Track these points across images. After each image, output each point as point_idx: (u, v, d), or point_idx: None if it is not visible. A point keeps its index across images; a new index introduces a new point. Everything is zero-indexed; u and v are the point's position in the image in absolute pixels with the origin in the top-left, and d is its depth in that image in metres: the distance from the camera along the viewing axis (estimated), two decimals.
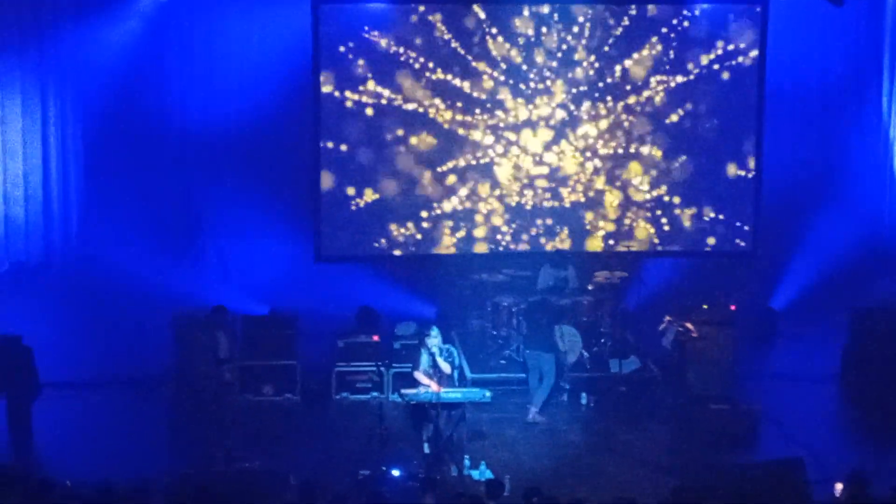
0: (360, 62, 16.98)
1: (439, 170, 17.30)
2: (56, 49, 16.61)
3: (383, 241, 17.36)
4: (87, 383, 15.75)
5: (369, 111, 17.10)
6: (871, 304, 16.38)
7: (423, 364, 13.68)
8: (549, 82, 17.22)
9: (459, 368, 14.10)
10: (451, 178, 17.32)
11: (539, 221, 17.51)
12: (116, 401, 15.41)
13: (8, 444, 13.57)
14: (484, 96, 17.18)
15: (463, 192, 17.37)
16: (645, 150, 17.45)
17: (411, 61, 17.04)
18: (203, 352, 14.25)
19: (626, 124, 17.38)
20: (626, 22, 17.15)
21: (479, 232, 17.48)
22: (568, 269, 16.69)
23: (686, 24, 17.21)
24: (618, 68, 17.24)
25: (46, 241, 16.88)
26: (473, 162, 17.32)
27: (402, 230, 17.37)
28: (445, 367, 13.59)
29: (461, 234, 17.44)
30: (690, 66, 17.29)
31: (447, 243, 17.45)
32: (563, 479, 12.74)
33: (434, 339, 13.67)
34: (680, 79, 17.31)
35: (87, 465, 12.35)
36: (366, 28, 16.89)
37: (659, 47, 17.24)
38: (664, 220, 17.62)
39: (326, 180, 17.19)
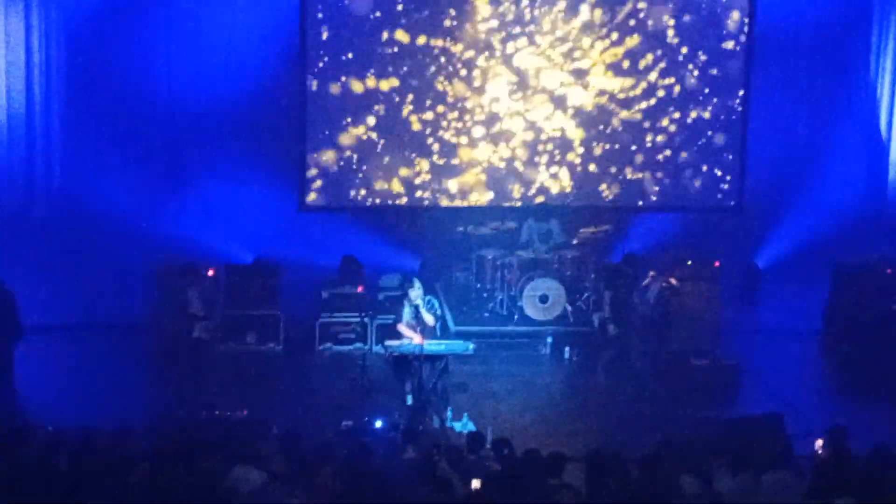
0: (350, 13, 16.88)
1: (424, 117, 17.20)
2: None
3: (367, 191, 17.28)
4: (69, 327, 15.75)
5: (356, 60, 17.01)
6: (854, 261, 16.44)
7: (406, 316, 13.67)
8: (539, 35, 17.13)
9: (442, 320, 14.09)
10: (436, 129, 17.23)
11: (524, 174, 17.45)
12: (99, 346, 15.40)
13: None
14: (472, 54, 17.09)
15: (448, 143, 17.29)
16: (630, 102, 17.37)
17: (403, 20, 16.92)
18: (174, 306, 14.22)
19: (609, 77, 17.30)
20: None
21: (465, 184, 17.42)
22: (551, 222, 16.67)
23: None
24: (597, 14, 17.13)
25: (28, 185, 16.74)
26: (460, 114, 17.24)
27: (388, 182, 17.28)
28: (429, 319, 13.58)
29: (446, 185, 17.39)
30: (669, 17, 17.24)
31: (433, 195, 17.38)
32: (544, 433, 12.74)
33: (416, 291, 13.65)
34: (670, 35, 17.26)
35: (68, 409, 12.32)
36: None
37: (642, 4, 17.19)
38: (649, 175, 17.56)
39: (311, 127, 17.09)
